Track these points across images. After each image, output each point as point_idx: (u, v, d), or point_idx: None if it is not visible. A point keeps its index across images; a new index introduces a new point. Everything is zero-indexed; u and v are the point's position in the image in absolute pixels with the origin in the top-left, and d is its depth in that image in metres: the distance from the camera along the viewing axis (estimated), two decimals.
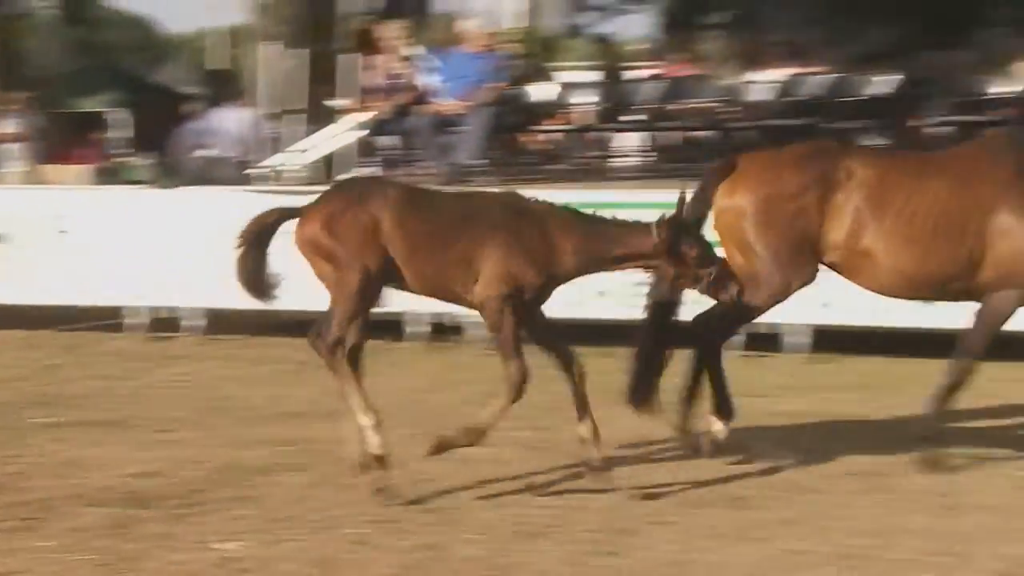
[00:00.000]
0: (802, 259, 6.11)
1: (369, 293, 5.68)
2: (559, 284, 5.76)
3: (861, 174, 6.16)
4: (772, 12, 17.00)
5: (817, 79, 11.83)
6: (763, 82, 11.98)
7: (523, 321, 5.63)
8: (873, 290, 6.43)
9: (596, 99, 12.53)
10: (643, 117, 12.34)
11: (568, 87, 12.87)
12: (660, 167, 11.84)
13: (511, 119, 12.20)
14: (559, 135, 12.72)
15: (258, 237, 5.76)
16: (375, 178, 6.50)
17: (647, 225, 5.62)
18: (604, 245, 5.67)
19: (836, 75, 11.72)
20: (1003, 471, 6.24)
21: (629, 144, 12.63)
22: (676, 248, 5.53)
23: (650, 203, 9.29)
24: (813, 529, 5.33)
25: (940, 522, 5.40)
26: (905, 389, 7.44)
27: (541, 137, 12.96)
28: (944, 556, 4.98)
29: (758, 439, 6.35)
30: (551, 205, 5.81)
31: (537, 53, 15.09)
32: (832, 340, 9.14)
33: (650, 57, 14.16)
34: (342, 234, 5.60)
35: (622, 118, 12.43)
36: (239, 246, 5.77)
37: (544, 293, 5.71)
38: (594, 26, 18.58)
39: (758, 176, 6.28)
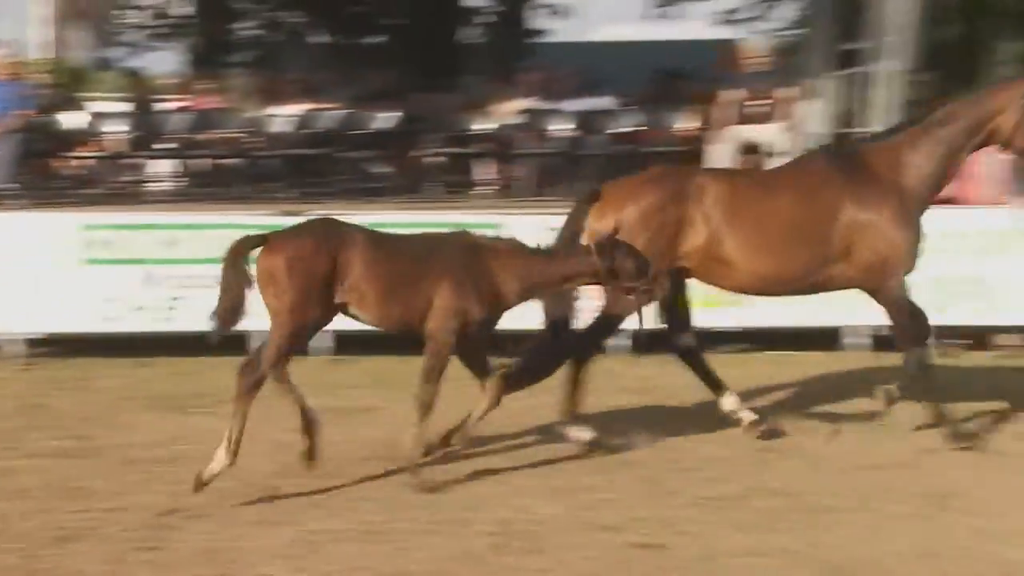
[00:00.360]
0: (665, 266, 6.31)
1: (307, 336, 5.71)
2: (508, 309, 5.90)
3: (714, 190, 6.52)
4: (289, 54, 17.35)
5: (330, 114, 12.17)
6: (283, 115, 12.16)
7: (461, 347, 5.80)
8: (731, 290, 6.82)
9: (128, 128, 12.15)
10: (174, 145, 12.13)
11: (99, 116, 12.36)
12: (192, 191, 11.71)
13: (41, 145, 11.74)
14: (93, 161, 12.22)
15: (234, 263, 5.56)
16: (339, 222, 5.89)
17: (587, 248, 5.89)
18: (548, 271, 5.87)
19: (346, 111, 12.10)
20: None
21: (162, 170, 12.35)
22: (615, 266, 5.75)
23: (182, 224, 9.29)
24: (337, 509, 5.53)
25: (443, 497, 5.75)
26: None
27: (74, 163, 12.39)
28: (447, 524, 5.34)
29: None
30: (497, 239, 5.99)
31: (66, 83, 14.34)
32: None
33: (179, 90, 13.89)
34: (299, 277, 5.49)
35: (155, 146, 12.15)
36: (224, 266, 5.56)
37: (492, 320, 5.86)
38: (123, 60, 18.03)
39: (623, 198, 6.55)
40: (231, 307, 5.50)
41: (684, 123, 11.68)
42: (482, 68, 16.58)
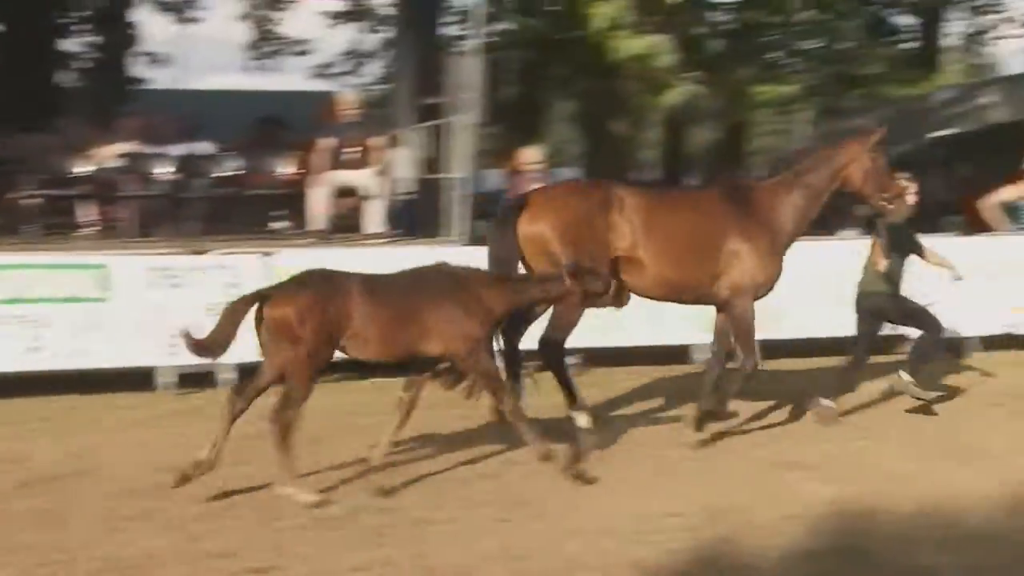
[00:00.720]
0: (604, 266, 6.55)
1: (317, 375, 5.77)
2: (497, 324, 6.23)
3: (631, 202, 6.82)
4: None
5: None
6: None
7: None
8: (640, 293, 6.91)
9: None
10: None
11: None
12: None
13: None
14: None
15: (235, 314, 5.63)
16: (335, 273, 5.85)
17: (559, 274, 6.16)
18: (528, 294, 6.21)
19: None
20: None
21: None
22: (587, 288, 6.10)
23: None
24: None
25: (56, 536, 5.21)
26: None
27: None
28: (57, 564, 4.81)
29: None
30: (476, 270, 6.15)
31: None
32: None
33: None
34: (311, 326, 5.60)
35: None
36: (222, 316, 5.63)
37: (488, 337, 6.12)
38: None
39: (553, 206, 6.78)
40: (218, 345, 5.62)
41: (284, 168, 11.52)
42: (81, 111, 15.54)
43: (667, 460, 6.72)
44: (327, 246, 9.82)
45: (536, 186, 8.15)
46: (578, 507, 5.78)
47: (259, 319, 5.69)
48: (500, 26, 17.35)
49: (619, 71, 15.77)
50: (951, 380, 9.16)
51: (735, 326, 7.06)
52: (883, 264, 7.53)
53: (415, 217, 11.19)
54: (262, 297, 5.71)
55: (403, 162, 11.52)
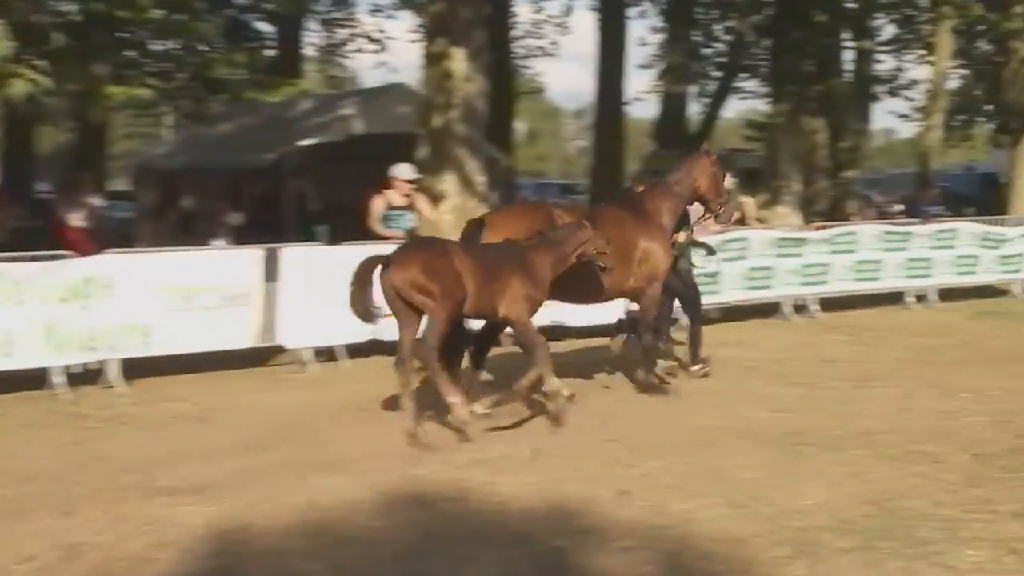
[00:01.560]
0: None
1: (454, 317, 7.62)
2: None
3: (568, 220, 8.36)
4: None
5: None
6: None
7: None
8: (576, 301, 9.21)
9: None
10: None
11: None
12: None
13: None
14: None
15: (363, 277, 7.31)
16: (436, 238, 8.23)
17: (574, 223, 8.18)
18: (563, 255, 8.01)
19: None
20: None
21: None
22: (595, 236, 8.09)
23: None
24: None
25: None
26: None
27: None
28: None
29: None
30: (530, 241, 7.98)
31: None
32: None
33: None
34: (436, 278, 7.36)
35: None
36: (352, 284, 7.31)
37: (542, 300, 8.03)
38: None
39: (510, 223, 8.39)
40: (364, 310, 7.35)
41: None
42: None
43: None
44: None
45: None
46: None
47: (385, 280, 7.39)
48: None
49: None
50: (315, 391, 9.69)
51: (644, 311, 9.06)
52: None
53: None
54: (386, 261, 7.37)
55: None
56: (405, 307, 7.49)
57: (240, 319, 10.24)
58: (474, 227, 8.53)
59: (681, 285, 9.99)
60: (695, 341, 10.09)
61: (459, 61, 14.03)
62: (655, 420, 8.35)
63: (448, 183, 14.02)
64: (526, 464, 7.12)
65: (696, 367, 9.98)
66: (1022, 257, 15.98)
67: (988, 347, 11.82)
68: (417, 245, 8.00)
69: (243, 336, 10.30)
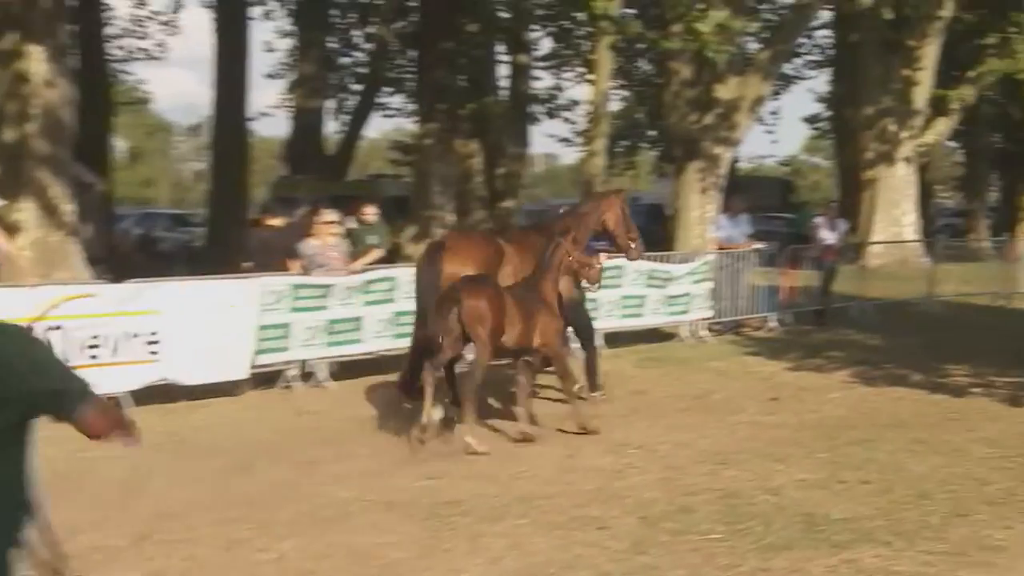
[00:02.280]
0: None
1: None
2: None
3: (508, 249, 11.29)
4: None
5: None
6: None
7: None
8: None
9: None
10: None
11: None
12: None
13: None
14: None
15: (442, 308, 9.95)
16: (486, 276, 10.53)
17: (557, 241, 10.57)
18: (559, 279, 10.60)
19: None
20: None
21: None
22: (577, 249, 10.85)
23: None
24: None
25: None
26: None
27: None
28: None
29: None
30: (541, 274, 10.45)
31: None
32: None
33: None
34: (492, 315, 9.78)
35: None
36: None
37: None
38: None
39: (469, 250, 11.13)
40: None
41: None
42: None
43: None
44: None
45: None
46: None
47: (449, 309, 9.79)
48: None
49: None
50: None
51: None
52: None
53: None
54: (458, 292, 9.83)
55: None
56: None
57: None
58: (434, 251, 10.97)
59: (574, 314, 11.66)
60: (592, 368, 12.13)
61: (37, 62, 13.46)
62: (289, 492, 8.28)
63: (26, 212, 13.35)
64: (123, 556, 6.83)
65: (596, 393, 11.94)
66: (689, 297, 17.14)
67: (655, 397, 12.63)
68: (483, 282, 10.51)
69: None
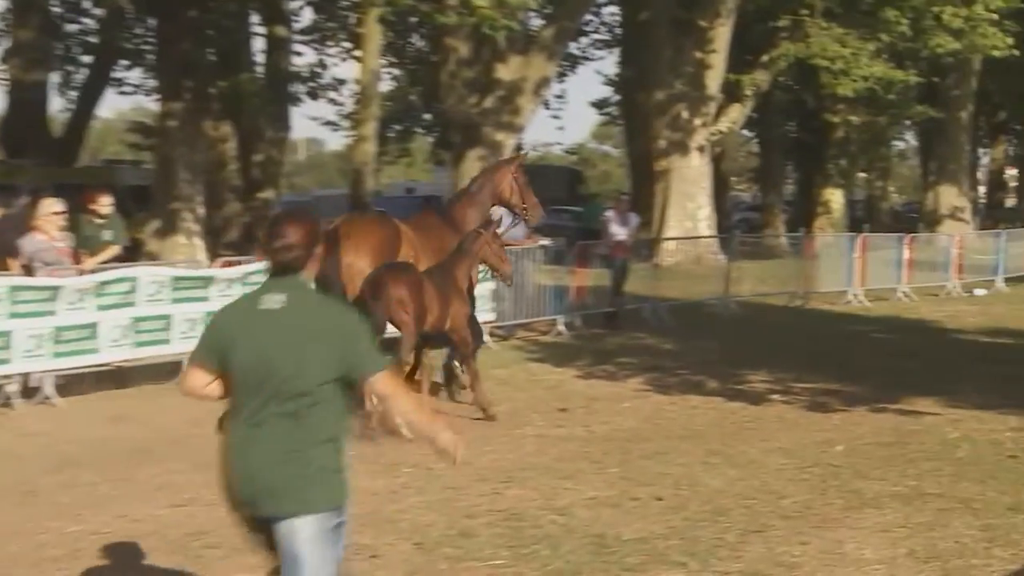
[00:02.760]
0: None
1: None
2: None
3: (408, 233, 12.83)
4: None
5: None
6: None
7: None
8: None
9: None
10: None
11: None
12: None
13: None
14: None
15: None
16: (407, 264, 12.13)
17: (475, 231, 12.38)
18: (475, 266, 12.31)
19: None
20: None
21: None
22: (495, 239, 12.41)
23: None
24: None
25: None
26: None
27: None
28: None
29: None
30: (452, 259, 12.14)
31: None
32: None
33: None
34: (417, 298, 11.21)
35: None
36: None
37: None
38: None
39: (365, 236, 12.46)
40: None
41: None
42: None
43: None
44: None
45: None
46: None
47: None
48: None
49: None
50: None
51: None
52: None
53: None
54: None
55: None
56: None
57: None
58: (331, 241, 11.22)
59: None
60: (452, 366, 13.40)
61: None
62: (6, 529, 7.98)
63: None
64: None
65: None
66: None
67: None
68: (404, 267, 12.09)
69: None
